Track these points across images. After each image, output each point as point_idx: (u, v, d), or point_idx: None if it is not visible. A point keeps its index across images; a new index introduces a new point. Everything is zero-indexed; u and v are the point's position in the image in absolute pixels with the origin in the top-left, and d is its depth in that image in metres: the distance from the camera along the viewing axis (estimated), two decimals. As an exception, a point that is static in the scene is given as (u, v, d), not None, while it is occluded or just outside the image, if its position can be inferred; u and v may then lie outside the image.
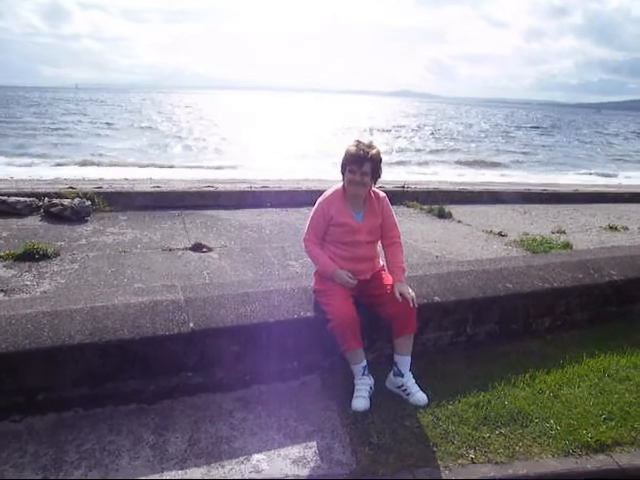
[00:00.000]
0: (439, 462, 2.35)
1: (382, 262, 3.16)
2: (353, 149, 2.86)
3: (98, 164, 18.09)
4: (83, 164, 17.88)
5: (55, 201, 6.35)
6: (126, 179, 10.36)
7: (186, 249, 5.30)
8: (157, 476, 2.21)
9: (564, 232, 7.11)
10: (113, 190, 7.54)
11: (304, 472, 2.28)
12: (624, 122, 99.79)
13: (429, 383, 2.91)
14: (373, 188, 3.02)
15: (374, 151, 2.87)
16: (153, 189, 7.94)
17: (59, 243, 5.21)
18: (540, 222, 7.92)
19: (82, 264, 4.62)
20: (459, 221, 7.58)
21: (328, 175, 10.80)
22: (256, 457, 2.35)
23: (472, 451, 2.43)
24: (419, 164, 22.94)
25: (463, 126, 55.03)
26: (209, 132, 33.02)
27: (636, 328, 3.94)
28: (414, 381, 2.84)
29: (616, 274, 4.09)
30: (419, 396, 2.78)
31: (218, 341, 2.78)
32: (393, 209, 3.15)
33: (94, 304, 2.79)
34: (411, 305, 2.83)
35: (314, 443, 2.46)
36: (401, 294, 2.83)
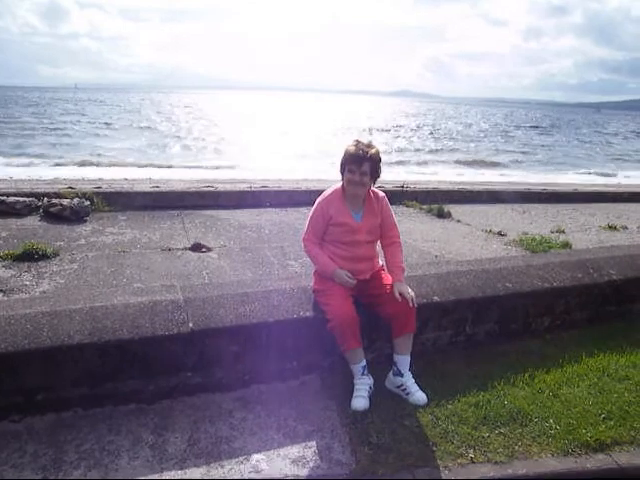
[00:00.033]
0: (439, 462, 2.35)
1: (381, 262, 3.16)
2: (352, 149, 2.86)
3: (97, 164, 18.08)
4: (82, 164, 17.87)
5: (54, 201, 6.34)
6: (125, 179, 10.35)
7: (185, 249, 5.30)
8: (156, 476, 2.21)
9: (563, 232, 7.11)
10: (112, 190, 7.54)
11: (304, 472, 2.28)
12: (624, 122, 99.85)
13: (428, 383, 2.91)
14: (372, 188, 3.02)
15: (373, 151, 2.87)
16: (152, 189, 7.94)
17: (58, 243, 5.21)
18: (539, 222, 7.92)
19: (81, 264, 4.62)
20: (458, 221, 7.58)
21: (327, 175, 10.80)
22: (256, 457, 2.35)
23: (472, 451, 2.43)
24: (418, 164, 22.95)
25: (462, 126, 55.06)
26: (208, 132, 33.01)
27: (635, 327, 3.95)
28: (414, 381, 2.84)
29: (615, 274, 4.09)
30: (418, 396, 2.78)
31: (217, 341, 2.78)
32: (392, 209, 3.15)
33: (93, 304, 2.79)
34: (410, 305, 2.83)
35: (314, 443, 2.46)
36: (400, 294, 2.83)
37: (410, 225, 7.00)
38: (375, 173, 2.91)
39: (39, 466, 2.21)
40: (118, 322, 2.66)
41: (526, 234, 6.67)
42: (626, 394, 2.96)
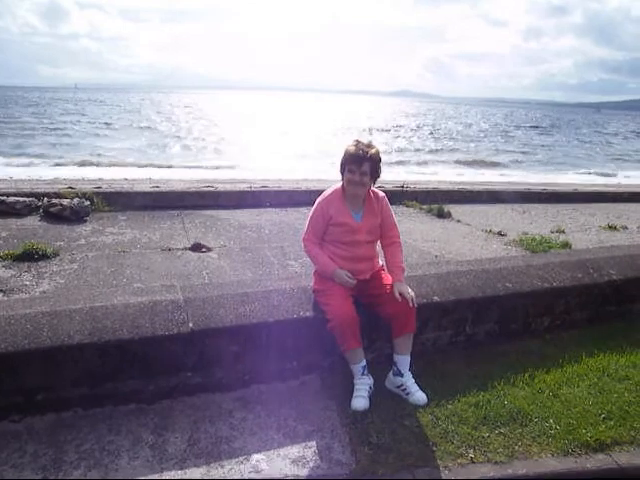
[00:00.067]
0: (439, 462, 2.35)
1: (381, 262, 3.16)
2: (352, 149, 2.86)
3: (97, 164, 18.07)
4: (82, 164, 17.87)
5: (54, 201, 6.34)
6: (125, 179, 10.36)
7: (185, 249, 5.30)
8: (156, 476, 2.21)
9: (563, 231, 7.11)
10: (112, 190, 7.54)
11: (303, 472, 2.28)
12: (624, 122, 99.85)
13: (428, 383, 2.91)
14: (372, 188, 3.02)
15: (373, 151, 2.87)
16: (152, 189, 7.94)
17: (58, 243, 5.21)
18: (539, 221, 7.92)
19: (81, 264, 4.62)
20: (458, 221, 7.58)
21: (327, 175, 10.80)
22: (255, 457, 2.35)
23: (472, 451, 2.43)
24: (418, 164, 22.95)
25: (462, 126, 55.06)
26: (208, 132, 33.01)
27: (635, 327, 3.95)
28: (414, 381, 2.84)
29: (615, 274, 4.09)
30: (418, 396, 2.78)
31: (217, 341, 2.78)
32: (392, 209, 3.15)
33: (93, 304, 2.79)
34: (410, 305, 2.83)
35: (313, 443, 2.46)
36: (400, 294, 2.83)
37: (410, 225, 7.00)
38: (375, 173, 2.91)
39: (39, 466, 2.21)
40: (118, 322, 2.66)
41: (526, 234, 6.67)
42: (626, 394, 2.96)
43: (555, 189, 11.30)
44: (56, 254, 4.81)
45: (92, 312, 2.71)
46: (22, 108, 50.83)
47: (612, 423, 2.67)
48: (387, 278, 3.00)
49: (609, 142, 43.24)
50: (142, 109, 60.18)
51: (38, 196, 6.70)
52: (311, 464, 2.33)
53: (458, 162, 23.99)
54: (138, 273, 4.46)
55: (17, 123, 32.70)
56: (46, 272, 4.36)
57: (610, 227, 7.60)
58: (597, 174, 22.06)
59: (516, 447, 2.48)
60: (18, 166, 16.63)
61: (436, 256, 5.49)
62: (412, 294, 2.87)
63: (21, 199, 6.40)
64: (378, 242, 3.11)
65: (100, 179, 10.20)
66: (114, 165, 17.90)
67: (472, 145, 33.03)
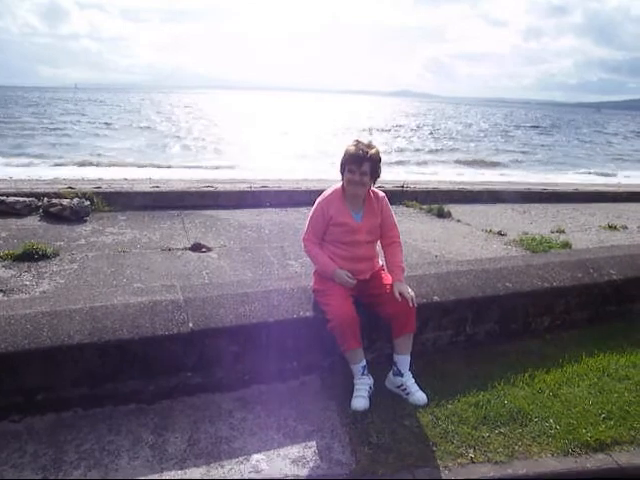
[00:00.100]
0: (439, 462, 2.35)
1: (381, 262, 3.16)
2: (352, 149, 2.86)
3: (97, 164, 18.07)
4: (82, 164, 17.86)
5: (54, 201, 6.35)
6: (125, 179, 10.35)
7: (185, 249, 5.30)
8: (156, 476, 2.21)
9: (563, 231, 7.11)
10: (112, 190, 7.54)
11: (303, 472, 2.28)
12: (624, 121, 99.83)
13: (428, 383, 2.91)
14: (372, 188, 3.02)
15: (373, 151, 2.86)
16: (152, 189, 7.94)
17: (58, 243, 5.21)
18: (539, 221, 7.92)
19: (81, 264, 4.62)
20: (458, 220, 7.58)
21: (327, 175, 10.80)
22: (255, 457, 2.35)
23: (472, 450, 2.43)
24: (418, 164, 22.95)
25: (462, 126, 55.05)
26: (208, 132, 33.01)
27: (635, 327, 3.95)
28: (414, 381, 2.84)
29: (615, 273, 4.09)
30: (419, 396, 2.78)
31: (217, 341, 2.78)
32: (392, 209, 3.15)
33: (93, 304, 2.79)
34: (410, 305, 2.83)
35: (314, 443, 2.46)
36: (400, 294, 2.83)
37: (410, 225, 7.00)
38: (375, 173, 2.91)
39: (39, 466, 2.21)
40: (118, 322, 2.66)
41: (526, 234, 6.67)
42: (626, 394, 2.96)
43: (555, 189, 11.30)
44: (56, 254, 4.81)
45: (92, 312, 2.71)
46: (22, 108, 50.83)
47: (612, 423, 2.67)
48: (387, 278, 3.00)
49: (609, 142, 43.23)
50: (142, 109, 60.18)
51: (38, 196, 6.70)
52: (311, 464, 2.33)
53: (458, 162, 23.98)
54: (138, 273, 4.46)
55: (17, 123, 32.69)
56: (46, 272, 4.36)
57: (610, 227, 7.60)
58: (597, 174, 22.06)
59: (516, 447, 2.48)
60: (18, 166, 16.62)
61: (436, 256, 5.49)
62: (412, 294, 2.87)
63: (21, 199, 6.40)
64: (378, 242, 3.11)
65: (100, 179, 10.20)
66: (114, 165, 17.89)
67: (472, 145, 33.03)
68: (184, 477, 2.21)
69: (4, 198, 6.33)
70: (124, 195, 7.32)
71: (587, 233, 7.20)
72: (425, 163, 23.39)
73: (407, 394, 2.81)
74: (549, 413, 2.73)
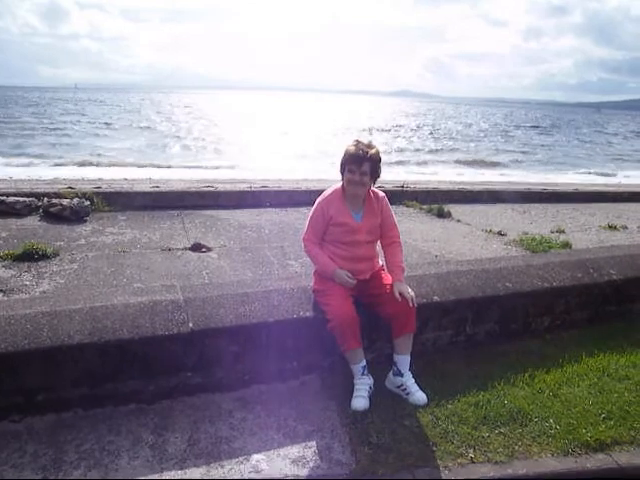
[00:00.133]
0: (439, 462, 2.35)
1: (381, 262, 3.16)
2: (352, 149, 2.86)
3: (97, 164, 18.07)
4: (82, 164, 17.86)
5: (54, 201, 6.34)
6: (125, 179, 10.36)
7: (185, 249, 5.30)
8: (156, 476, 2.21)
9: (563, 231, 7.11)
10: (112, 190, 7.54)
11: (304, 472, 2.28)
12: (624, 121, 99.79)
13: (428, 383, 2.91)
14: (372, 188, 3.02)
15: (373, 151, 2.86)
16: (152, 189, 7.94)
17: (58, 243, 5.21)
18: (539, 221, 7.92)
19: (81, 264, 4.62)
20: (458, 220, 7.58)
21: (327, 175, 10.80)
22: (256, 457, 2.35)
23: (472, 450, 2.43)
24: (418, 164, 22.95)
25: (462, 126, 55.05)
26: (208, 132, 33.01)
27: (635, 327, 3.95)
28: (414, 381, 2.84)
29: (615, 273, 4.09)
30: (419, 396, 2.78)
31: (217, 341, 2.78)
32: (392, 209, 3.15)
33: (93, 304, 2.79)
34: (410, 305, 2.83)
35: (314, 443, 2.46)
36: (400, 294, 2.83)
37: (410, 225, 7.00)
38: (375, 173, 2.91)
39: (39, 466, 2.21)
40: (118, 322, 2.66)
41: (526, 234, 6.67)
42: (626, 394, 2.96)
43: (555, 189, 11.30)
44: (56, 254, 4.81)
45: (92, 312, 2.71)
46: (22, 108, 50.84)
47: (612, 423, 2.67)
48: (387, 278, 3.00)
49: (609, 142, 43.22)
50: (142, 109, 60.19)
51: (38, 196, 6.70)
52: (311, 464, 2.33)
53: (458, 162, 23.98)
54: (138, 273, 4.46)
55: (17, 123, 32.70)
56: (46, 272, 4.36)
57: (610, 227, 7.60)
58: (597, 174, 22.06)
59: (516, 447, 2.48)
60: (18, 166, 16.63)
61: (436, 256, 5.49)
62: (412, 294, 2.87)
63: (21, 199, 6.40)
64: (378, 242, 3.11)
65: (100, 179, 10.21)
66: (114, 165, 17.90)
67: (472, 145, 33.03)
68: (184, 477, 2.22)
69: (4, 198, 6.33)
70: (124, 195, 7.32)
71: (587, 233, 7.20)
72: (425, 163, 23.39)
73: (407, 394, 2.81)
74: (549, 413, 2.73)
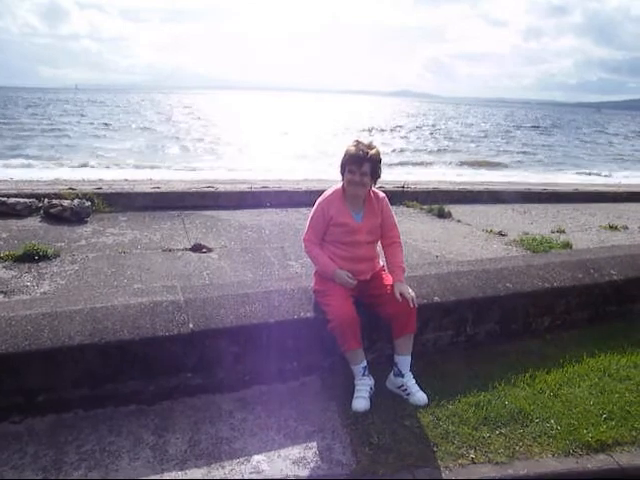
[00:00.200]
0: (439, 462, 2.35)
1: (382, 262, 3.16)
2: (352, 149, 2.86)
3: (97, 165, 18.08)
4: (82, 165, 17.87)
5: (55, 202, 6.34)
6: (126, 180, 10.36)
7: (186, 250, 5.30)
8: (157, 477, 2.21)
9: (564, 231, 7.11)
10: (113, 191, 7.54)
11: (304, 472, 2.28)
12: (624, 121, 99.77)
13: (429, 383, 2.91)
14: (373, 188, 3.02)
15: (373, 151, 2.87)
16: (153, 190, 7.94)
17: (59, 244, 5.21)
18: (540, 221, 7.92)
19: (82, 265, 4.62)
20: (459, 221, 7.58)
21: (328, 175, 10.80)
22: (256, 458, 2.35)
23: (472, 451, 2.43)
24: (419, 164, 22.94)
25: (463, 126, 55.04)
26: (208, 133, 33.01)
27: (636, 327, 3.94)
28: (414, 381, 2.84)
29: (616, 273, 4.09)
30: (419, 396, 2.78)
31: (218, 342, 2.78)
32: (393, 209, 3.15)
33: (94, 305, 2.79)
34: (411, 305, 2.83)
35: (314, 443, 2.46)
36: (401, 294, 2.83)
37: (410, 225, 7.00)
38: (375, 173, 2.91)
39: (39, 467, 2.21)
40: (119, 323, 2.66)
41: (527, 234, 6.66)
42: (627, 394, 2.96)
43: (555, 189, 11.29)
44: (57, 255, 4.81)
45: (93, 313, 2.71)
46: (22, 109, 50.87)
47: (613, 423, 2.67)
48: (387, 278, 3.00)
49: (610, 142, 43.20)
50: (142, 110, 60.19)
51: (38, 197, 6.70)
52: (312, 465, 2.33)
53: (458, 162, 23.98)
54: (139, 274, 4.47)
55: (17, 124, 32.72)
56: (47, 273, 4.36)
57: (611, 227, 7.59)
58: (597, 174, 22.05)
59: (517, 447, 2.48)
60: (18, 167, 16.63)
61: (437, 256, 5.48)
62: (412, 294, 2.87)
63: (22, 200, 6.41)
64: (378, 242, 3.11)
65: (100, 180, 10.21)
66: (114, 166, 17.91)
67: (472, 145, 33.02)
68: (185, 478, 2.22)
69: (5, 199, 6.33)
70: (125, 196, 7.32)
71: (587, 233, 7.20)
72: (425, 163, 23.39)
73: (408, 394, 2.81)
74: (550, 413, 2.73)
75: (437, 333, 3.36)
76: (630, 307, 4.18)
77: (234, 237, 5.93)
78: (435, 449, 2.43)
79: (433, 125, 54.07)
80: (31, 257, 4.61)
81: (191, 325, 2.73)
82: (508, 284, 3.64)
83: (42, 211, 6.36)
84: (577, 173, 22.17)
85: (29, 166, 17.26)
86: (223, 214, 7.07)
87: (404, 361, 2.87)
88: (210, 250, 5.32)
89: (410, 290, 2.88)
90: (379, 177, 2.97)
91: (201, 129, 35.51)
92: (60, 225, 5.99)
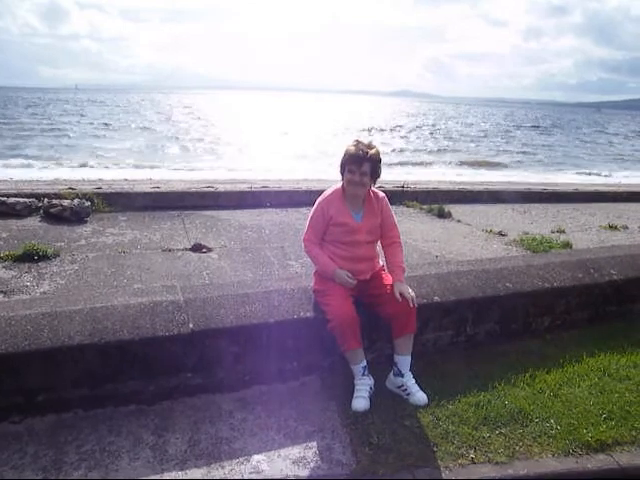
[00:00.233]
0: (439, 462, 2.35)
1: (382, 262, 3.16)
2: (352, 149, 2.86)
3: (97, 165, 18.08)
4: (82, 165, 17.87)
5: (54, 202, 6.35)
6: (125, 180, 10.36)
7: (186, 249, 5.30)
8: (157, 477, 2.21)
9: (564, 231, 7.11)
10: (112, 191, 7.54)
11: (304, 472, 2.28)
12: (624, 121, 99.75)
13: (429, 383, 2.91)
14: (372, 188, 3.02)
15: (373, 151, 2.86)
16: (153, 189, 7.94)
17: (59, 244, 5.21)
18: (540, 221, 7.92)
19: (82, 265, 4.62)
20: (459, 221, 7.58)
21: (327, 175, 10.80)
22: (256, 458, 2.35)
23: (472, 451, 2.43)
24: (419, 164, 22.94)
25: (463, 126, 55.04)
26: (208, 132, 33.01)
27: (636, 327, 3.94)
28: (414, 381, 2.84)
29: (616, 273, 4.09)
30: (419, 396, 2.78)
31: (218, 342, 2.78)
32: (393, 209, 3.15)
33: (94, 305, 2.79)
34: (411, 305, 2.83)
35: (314, 443, 2.46)
36: (401, 294, 2.83)
37: (410, 225, 7.00)
38: (375, 173, 2.91)
39: (39, 467, 2.21)
40: (118, 323, 2.66)
41: (526, 234, 6.67)
42: (627, 394, 2.96)
43: (555, 189, 11.30)
44: (56, 255, 4.81)
45: (92, 313, 2.71)
46: (22, 109, 50.86)
47: (613, 423, 2.67)
48: (387, 278, 3.00)
49: (610, 142, 43.19)
50: (142, 110, 60.19)
51: (38, 197, 6.70)
52: (312, 464, 2.33)
53: (458, 162, 23.98)
54: (138, 274, 4.47)
55: (17, 124, 32.71)
56: (46, 273, 4.36)
57: (611, 227, 7.60)
58: (597, 174, 22.05)
59: (517, 447, 2.48)
60: (18, 167, 16.63)
61: (436, 256, 5.48)
62: (412, 294, 2.86)
63: (21, 200, 6.41)
64: (378, 242, 3.11)
65: (100, 180, 10.21)
66: (114, 166, 17.90)
67: (472, 145, 33.02)
68: (185, 478, 2.21)
69: (4, 199, 6.33)
70: (124, 196, 7.32)
71: (587, 233, 7.20)
72: (425, 163, 23.39)
73: (408, 394, 2.81)
74: (550, 413, 2.73)
75: (437, 333, 3.36)
76: (630, 307, 4.18)
77: (234, 237, 5.93)
78: (435, 449, 2.43)
79: (433, 125, 54.07)
80: (31, 257, 4.61)
81: (191, 325, 2.73)
82: (508, 284, 3.64)
83: (42, 211, 6.36)
84: (577, 173, 22.17)
85: (29, 166, 17.25)
86: (223, 214, 7.07)
87: (404, 361, 2.87)
88: (210, 250, 5.32)
89: (410, 290, 2.88)
90: (379, 177, 2.97)
91: (201, 129, 35.52)
92: (60, 225, 5.99)
